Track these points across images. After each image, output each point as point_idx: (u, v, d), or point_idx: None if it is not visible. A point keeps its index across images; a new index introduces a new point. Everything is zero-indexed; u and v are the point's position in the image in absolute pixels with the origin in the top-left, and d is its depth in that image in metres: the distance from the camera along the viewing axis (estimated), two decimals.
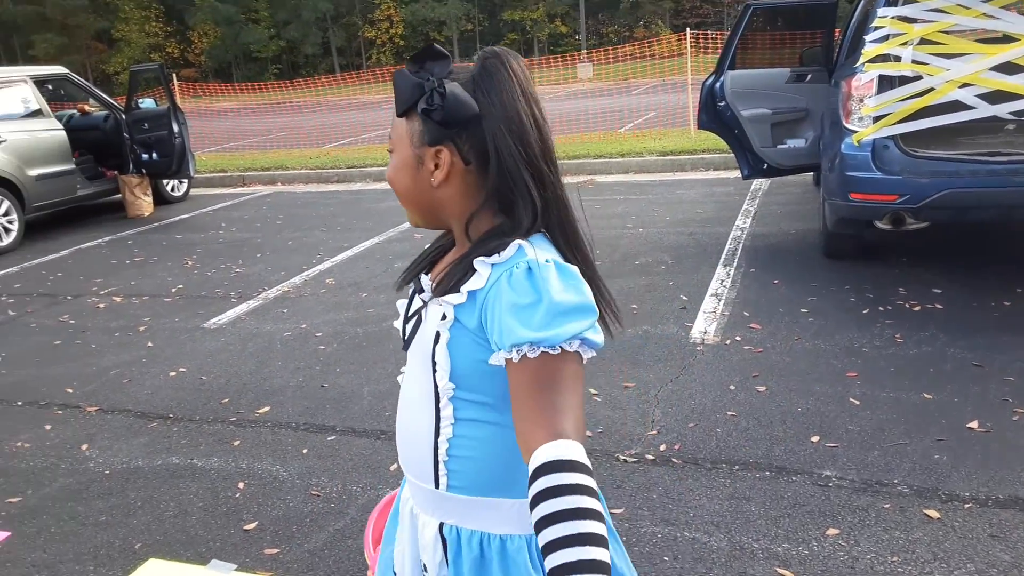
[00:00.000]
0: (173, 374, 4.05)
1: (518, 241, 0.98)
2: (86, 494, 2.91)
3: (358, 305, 4.92)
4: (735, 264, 5.10)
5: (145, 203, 8.91)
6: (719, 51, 5.84)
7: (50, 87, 8.99)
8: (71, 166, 8.24)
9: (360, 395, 3.59)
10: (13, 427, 3.57)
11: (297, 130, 18.43)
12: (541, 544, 0.81)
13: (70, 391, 3.93)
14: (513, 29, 50.01)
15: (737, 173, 6.70)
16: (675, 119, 13.08)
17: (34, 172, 7.75)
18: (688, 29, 10.72)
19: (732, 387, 3.36)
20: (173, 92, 8.59)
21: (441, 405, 1.04)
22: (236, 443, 3.23)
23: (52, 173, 7.96)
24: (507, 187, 1.00)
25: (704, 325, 4.09)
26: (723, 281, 4.77)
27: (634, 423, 3.12)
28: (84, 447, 3.31)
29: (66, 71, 8.54)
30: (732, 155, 6.10)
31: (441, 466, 1.05)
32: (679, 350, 3.81)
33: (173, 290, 5.65)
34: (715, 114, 5.66)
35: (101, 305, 5.41)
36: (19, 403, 3.85)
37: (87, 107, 9.38)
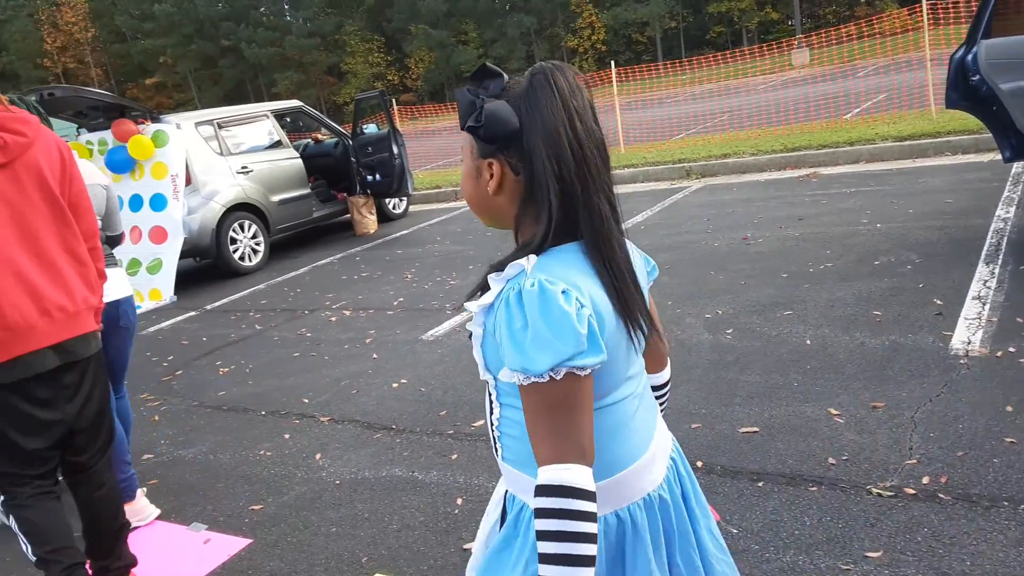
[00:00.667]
0: (396, 385, 4.19)
1: (522, 261, 1.05)
2: (319, 503, 3.04)
3: None
4: (999, 261, 4.38)
5: (370, 221, 9.53)
6: (964, 20, 5.08)
7: (288, 119, 9.89)
8: (307, 191, 9.02)
9: None
10: (257, 436, 3.85)
11: None
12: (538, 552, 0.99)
13: (306, 401, 4.20)
14: (719, 22, 48.24)
15: (993, 156, 5.82)
16: (911, 100, 11.79)
17: (276, 198, 8.56)
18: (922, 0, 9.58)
19: (1009, 408, 2.83)
20: (393, 116, 9.10)
21: (490, 388, 1.17)
22: (454, 456, 3.23)
23: (291, 198, 8.75)
24: (538, 198, 1.08)
25: (967, 334, 3.51)
26: (986, 282, 4.10)
27: (887, 450, 2.71)
28: (318, 456, 3.48)
29: (300, 104, 9.36)
30: (986, 136, 5.29)
31: (497, 440, 1.20)
32: (937, 364, 3.29)
33: (395, 303, 5.92)
34: (967, 90, 4.91)
35: (333, 319, 5.79)
36: (263, 412, 4.17)
37: (319, 136, 10.22)
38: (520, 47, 52.10)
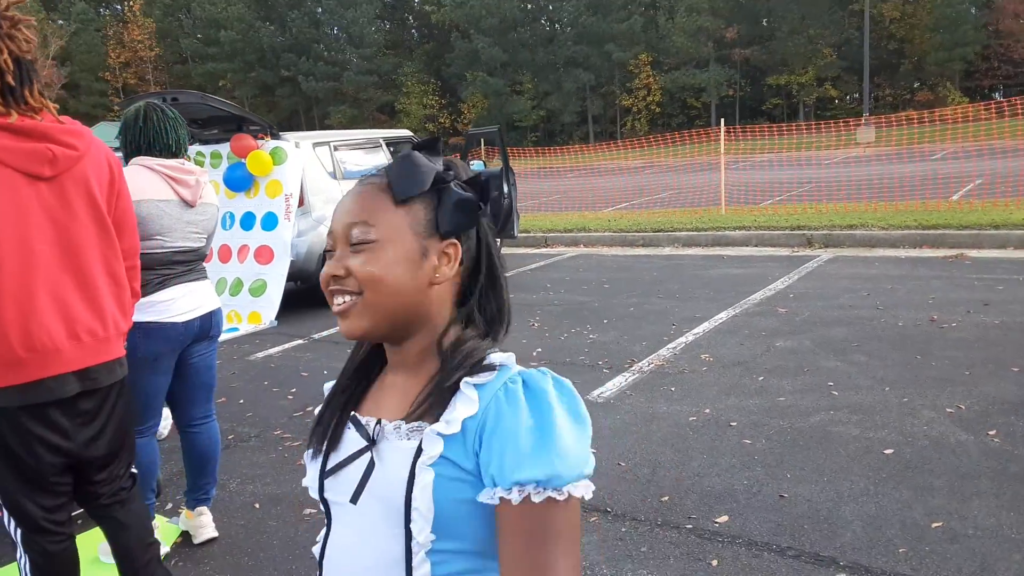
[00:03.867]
0: None
1: (500, 355, 0.93)
2: None
3: (760, 391, 4.26)
4: None
5: None
6: None
7: (393, 149, 9.54)
8: None
9: (840, 515, 2.88)
10: None
11: (568, 194, 18.61)
12: None
13: None
14: (776, 94, 48.20)
15: None
16: (1014, 188, 11.19)
17: None
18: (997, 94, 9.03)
19: None
20: (507, 154, 8.68)
21: (414, 565, 0.89)
22: (714, 563, 2.65)
23: None
24: (488, 292, 0.98)
25: None
26: None
27: None
28: None
29: (411, 134, 9.01)
30: None
31: None
32: None
33: (534, 353, 5.38)
34: None
35: None
36: None
37: None
38: (575, 102, 52.42)
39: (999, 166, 15.96)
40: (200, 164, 7.23)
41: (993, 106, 29.78)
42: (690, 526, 2.90)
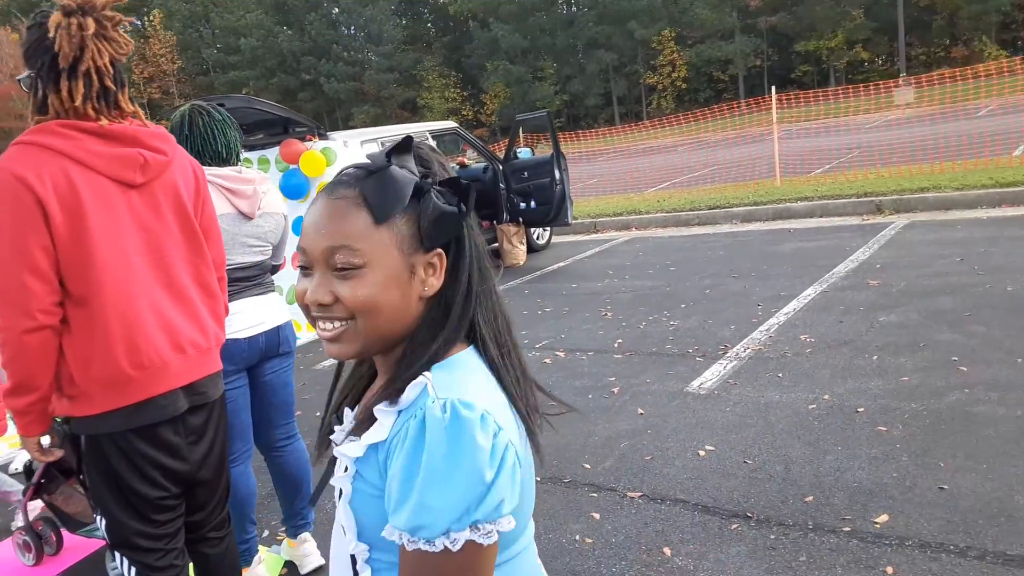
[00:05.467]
0: (703, 453, 3.35)
1: (423, 378, 0.87)
2: None
3: (879, 371, 3.94)
4: None
5: (520, 252, 8.80)
6: None
7: (441, 141, 9.31)
8: None
9: (1016, 507, 2.58)
10: (553, 511, 3.05)
11: (604, 177, 18.29)
12: None
13: (588, 467, 3.38)
14: (806, 60, 47.09)
15: None
16: None
17: None
18: None
19: None
20: (558, 139, 8.41)
21: (358, 570, 0.93)
22: (889, 571, 2.36)
23: None
24: (452, 296, 0.93)
25: None
26: None
27: None
28: (667, 551, 2.65)
29: (456, 125, 8.75)
30: None
31: None
32: None
33: (615, 344, 5.11)
34: None
35: (547, 360, 5.00)
36: (537, 479, 3.37)
37: (465, 160, 9.61)
38: (598, 83, 51.78)
39: None
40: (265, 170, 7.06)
41: None
42: (847, 529, 2.62)
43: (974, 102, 25.05)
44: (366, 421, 0.90)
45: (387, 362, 0.95)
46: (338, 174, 0.93)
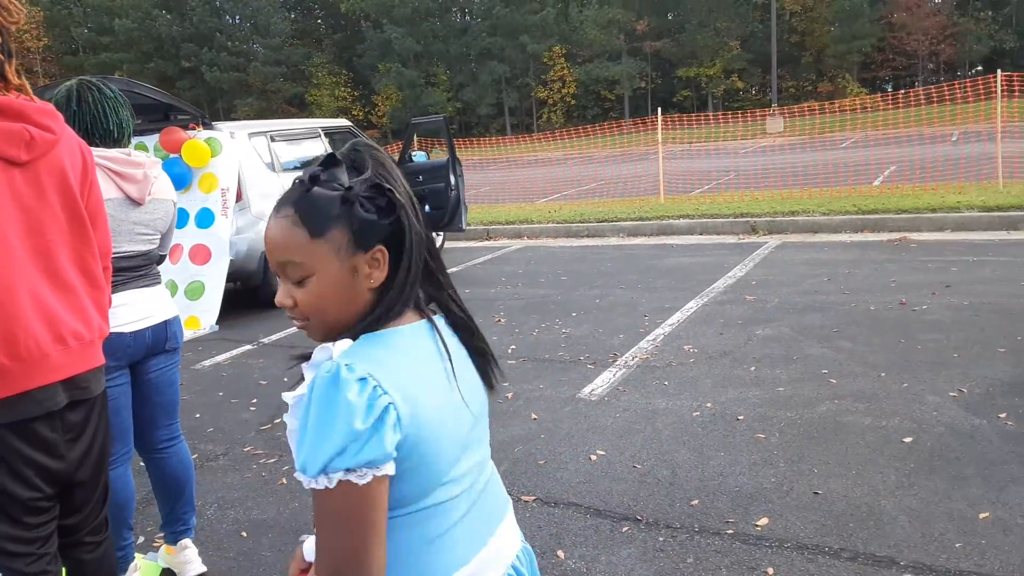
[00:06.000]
0: (594, 458, 3.41)
1: (329, 344, 1.02)
2: None
3: (757, 381, 4.15)
4: None
5: None
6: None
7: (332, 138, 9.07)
8: None
9: (882, 510, 2.77)
10: None
11: (497, 186, 18.46)
12: None
13: None
14: (687, 86, 49.33)
15: None
16: (923, 174, 11.67)
17: None
18: (987, 72, 9.43)
19: None
20: (454, 144, 8.39)
21: None
22: (770, 572, 2.48)
23: None
24: (398, 280, 1.05)
25: None
26: None
27: None
28: (560, 554, 2.68)
29: (350, 124, 8.59)
30: None
31: None
32: None
33: (509, 350, 5.14)
34: None
35: None
36: None
37: None
38: (491, 94, 52.15)
39: (905, 153, 16.72)
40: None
41: (889, 97, 31.41)
42: (731, 531, 2.73)
43: (838, 134, 27.03)
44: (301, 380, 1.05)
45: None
46: (287, 190, 1.05)
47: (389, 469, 0.95)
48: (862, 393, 3.85)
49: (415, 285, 1.06)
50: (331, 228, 1.00)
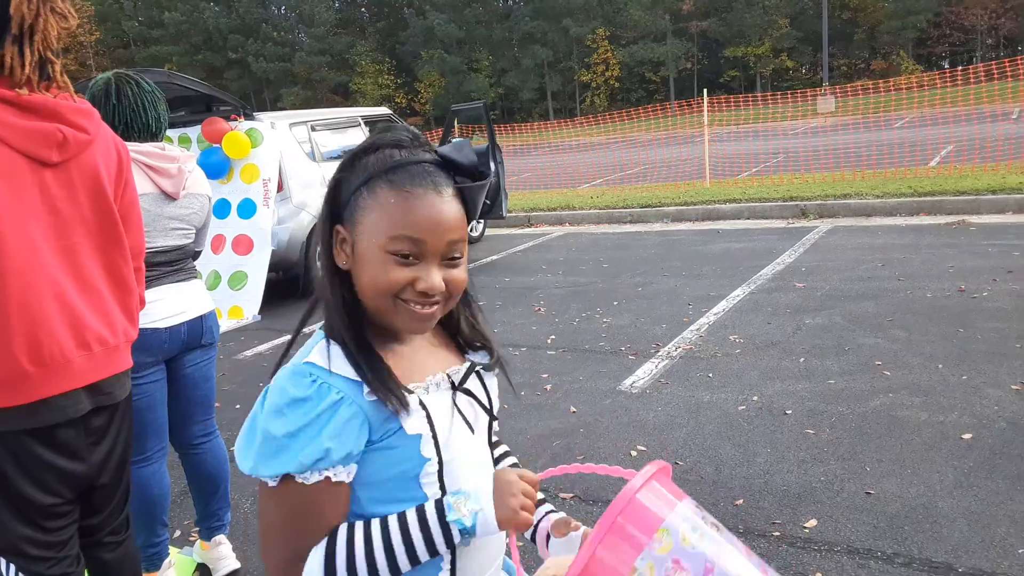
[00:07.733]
0: (634, 453, 3.32)
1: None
2: None
3: (806, 374, 3.99)
4: None
5: None
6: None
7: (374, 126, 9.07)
8: None
9: (939, 512, 2.63)
10: None
11: (538, 171, 18.31)
12: None
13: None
14: (734, 66, 48.29)
15: None
16: (984, 153, 11.17)
17: None
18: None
19: None
20: (494, 131, 8.30)
21: None
22: None
23: None
24: None
25: None
26: None
27: None
28: None
29: (390, 112, 8.57)
30: None
31: None
32: None
33: (548, 340, 5.06)
34: None
35: None
36: None
37: None
38: (533, 78, 51.87)
39: (964, 132, 16.06)
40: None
41: (947, 74, 30.24)
42: (777, 534, 2.62)
43: (892, 113, 26.17)
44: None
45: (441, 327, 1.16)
46: (418, 164, 1.00)
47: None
48: (918, 386, 3.67)
49: None
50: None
